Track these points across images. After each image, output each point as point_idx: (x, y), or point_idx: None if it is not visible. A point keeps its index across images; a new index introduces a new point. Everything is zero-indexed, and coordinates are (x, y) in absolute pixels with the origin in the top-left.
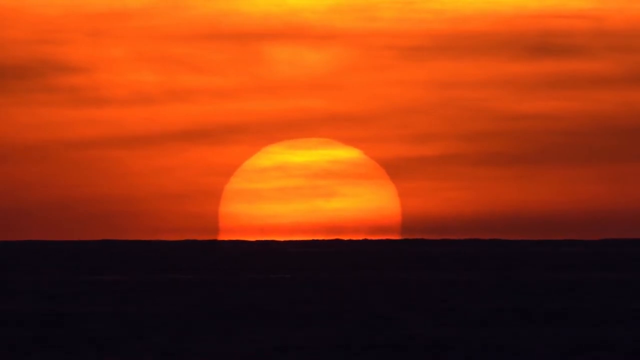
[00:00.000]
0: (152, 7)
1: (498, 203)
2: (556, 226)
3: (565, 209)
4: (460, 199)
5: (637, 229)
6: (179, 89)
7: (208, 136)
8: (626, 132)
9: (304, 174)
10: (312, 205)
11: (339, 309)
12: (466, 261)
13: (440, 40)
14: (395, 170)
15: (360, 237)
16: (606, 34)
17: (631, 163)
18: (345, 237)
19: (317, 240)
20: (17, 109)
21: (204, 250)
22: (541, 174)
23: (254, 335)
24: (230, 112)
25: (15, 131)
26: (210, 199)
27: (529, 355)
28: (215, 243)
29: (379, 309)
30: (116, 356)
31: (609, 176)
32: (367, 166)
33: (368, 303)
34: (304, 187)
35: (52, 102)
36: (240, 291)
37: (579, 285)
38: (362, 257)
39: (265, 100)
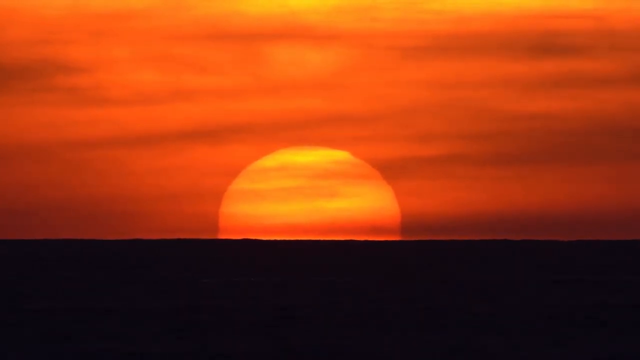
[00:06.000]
0: (154, 7)
1: (499, 203)
2: (557, 226)
3: (567, 209)
4: (462, 199)
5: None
6: (182, 89)
7: (210, 136)
8: (629, 132)
9: (306, 174)
10: (314, 206)
11: (339, 310)
12: (466, 261)
13: (442, 41)
14: (396, 170)
15: (361, 238)
16: (609, 34)
17: (634, 163)
18: (347, 238)
19: (319, 241)
20: (19, 109)
21: (204, 250)
22: (543, 174)
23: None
24: (232, 112)
25: (17, 131)
26: (212, 199)
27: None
28: (215, 243)
29: (380, 310)
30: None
31: (612, 176)
32: (369, 166)
33: (368, 303)
34: (306, 187)
35: (54, 102)
36: (240, 291)
37: (578, 285)
38: (362, 257)
39: (268, 100)
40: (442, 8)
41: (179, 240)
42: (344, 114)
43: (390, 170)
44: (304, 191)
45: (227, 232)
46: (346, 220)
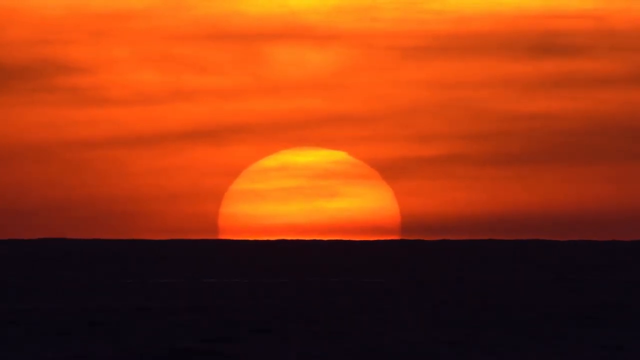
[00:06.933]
0: (155, 7)
1: (499, 203)
2: (557, 226)
3: (567, 209)
4: (462, 199)
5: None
6: (182, 89)
7: (210, 136)
8: (629, 132)
9: (306, 174)
10: (314, 206)
11: (340, 310)
12: (466, 261)
13: (442, 41)
14: (396, 170)
15: (361, 238)
16: (609, 34)
17: (634, 163)
18: (347, 238)
19: (319, 240)
20: (19, 109)
21: (204, 250)
22: (543, 174)
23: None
24: (232, 112)
25: (17, 131)
26: (212, 199)
27: (527, 357)
28: (215, 243)
29: (380, 310)
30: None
31: (612, 176)
32: (369, 167)
33: (368, 303)
34: (306, 187)
35: (54, 103)
36: (240, 291)
37: (578, 285)
38: (362, 257)
39: (268, 100)
40: (442, 8)
41: (179, 240)
42: (343, 114)
43: (390, 171)
44: (304, 191)
45: (227, 232)
46: (346, 220)
